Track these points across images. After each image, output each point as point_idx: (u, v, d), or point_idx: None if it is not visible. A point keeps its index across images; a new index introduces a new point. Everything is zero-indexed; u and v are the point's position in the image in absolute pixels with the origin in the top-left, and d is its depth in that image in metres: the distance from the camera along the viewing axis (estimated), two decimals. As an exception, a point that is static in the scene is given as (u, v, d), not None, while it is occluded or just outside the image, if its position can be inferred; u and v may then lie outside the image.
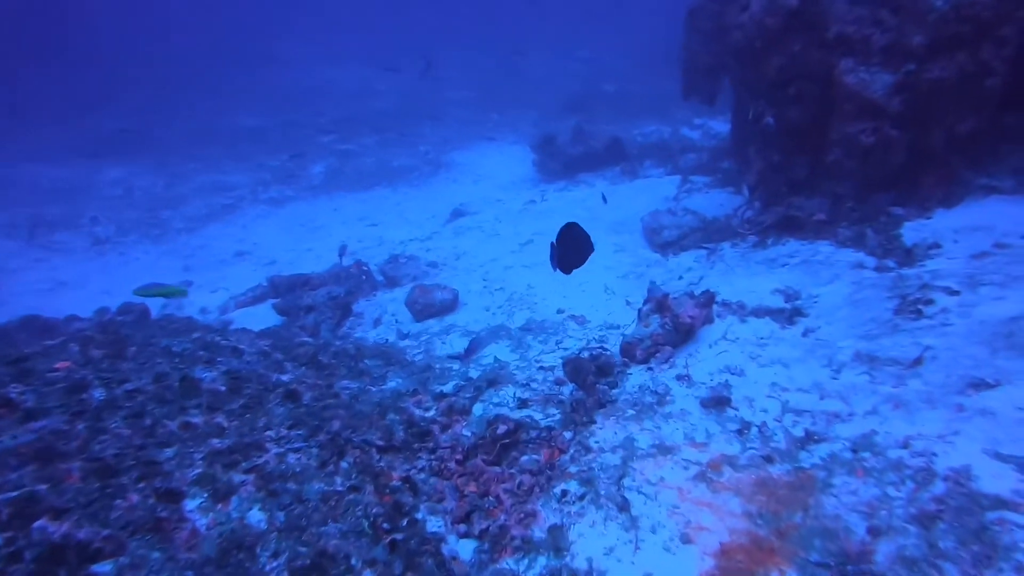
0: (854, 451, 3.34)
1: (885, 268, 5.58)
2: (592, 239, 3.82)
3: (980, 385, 3.48)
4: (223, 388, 4.02)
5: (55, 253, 12.19)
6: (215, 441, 3.36)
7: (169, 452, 3.20)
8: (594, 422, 4.06)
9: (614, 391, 4.53)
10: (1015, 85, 6.30)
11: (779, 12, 6.93)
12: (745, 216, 7.48)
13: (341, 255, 8.86)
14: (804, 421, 3.74)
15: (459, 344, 6.26)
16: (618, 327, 5.98)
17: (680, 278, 6.80)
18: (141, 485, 2.85)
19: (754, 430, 3.76)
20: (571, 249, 3.73)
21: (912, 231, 6.07)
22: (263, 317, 7.86)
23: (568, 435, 3.89)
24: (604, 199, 8.06)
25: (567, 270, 3.79)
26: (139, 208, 14.06)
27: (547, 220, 9.73)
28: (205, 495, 2.94)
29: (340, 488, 3.22)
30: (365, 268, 8.54)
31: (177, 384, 3.92)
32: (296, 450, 3.43)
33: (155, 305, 8.63)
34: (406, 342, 6.61)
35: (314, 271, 8.72)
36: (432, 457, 3.70)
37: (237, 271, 10.16)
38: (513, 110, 18.29)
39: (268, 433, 3.56)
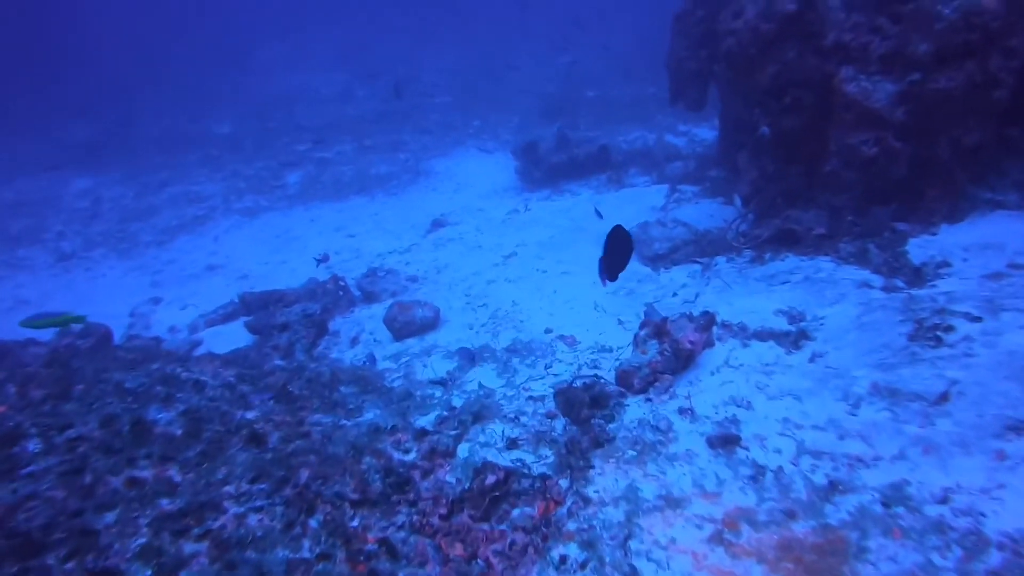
0: (886, 505, 2.98)
1: (893, 288, 5.27)
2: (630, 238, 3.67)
3: (1020, 428, 3.15)
4: (179, 432, 3.60)
5: (18, 269, 11.63)
6: (165, 501, 2.95)
7: (110, 517, 2.78)
8: (592, 466, 3.68)
9: (611, 426, 4.15)
10: (1019, 97, 6.05)
11: (775, 18, 6.64)
12: (740, 229, 7.16)
13: (319, 263, 8.37)
14: (824, 465, 3.38)
15: (441, 366, 5.89)
16: (611, 350, 5.61)
17: (674, 295, 6.44)
18: (69, 565, 2.43)
19: (769, 476, 3.40)
20: (617, 255, 3.50)
21: (918, 248, 5.78)
22: (234, 336, 7.43)
23: (564, 483, 3.51)
24: (599, 215, 7.65)
25: (614, 276, 3.60)
26: (107, 221, 13.51)
27: (530, 231, 9.35)
28: (148, 573, 2.53)
29: (308, 556, 2.82)
30: (342, 283, 8.12)
31: (127, 429, 3.50)
32: (258, 509, 3.03)
33: (120, 326, 8.17)
34: (385, 364, 6.22)
35: (289, 285, 8.29)
36: (413, 510, 3.30)
37: (208, 286, 9.68)
38: (495, 116, 17.88)
39: (227, 488, 3.15)
